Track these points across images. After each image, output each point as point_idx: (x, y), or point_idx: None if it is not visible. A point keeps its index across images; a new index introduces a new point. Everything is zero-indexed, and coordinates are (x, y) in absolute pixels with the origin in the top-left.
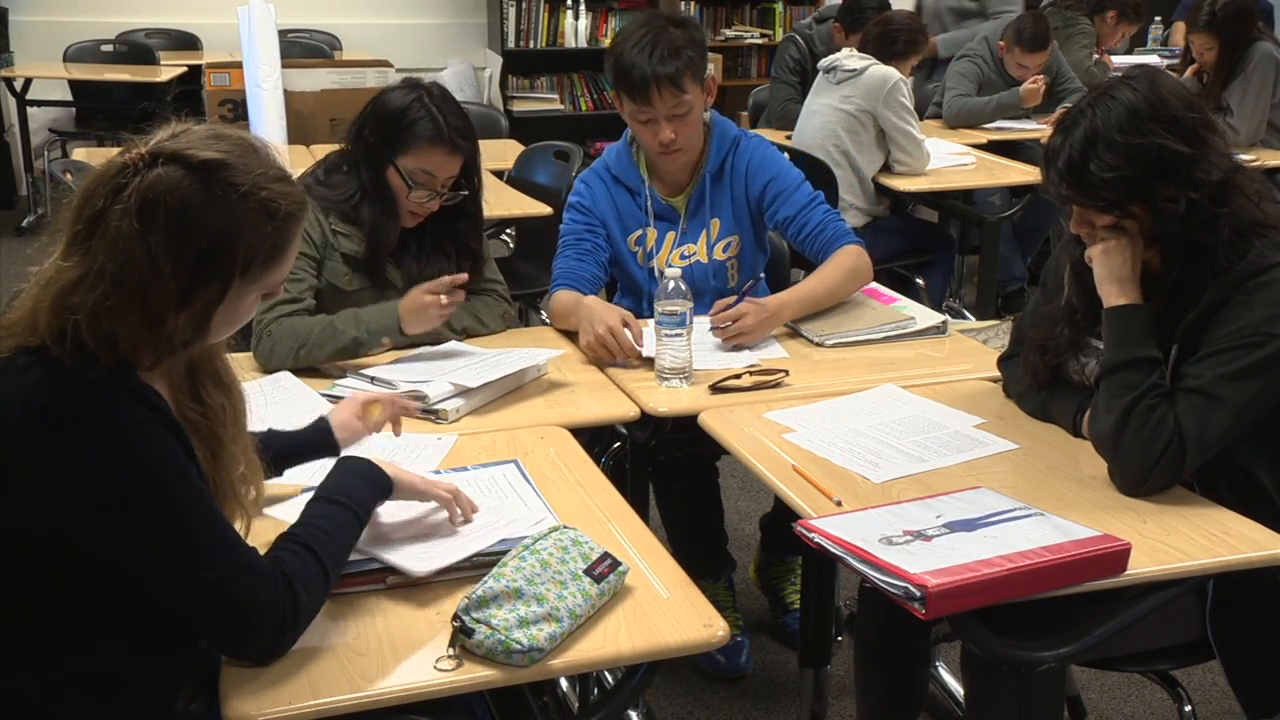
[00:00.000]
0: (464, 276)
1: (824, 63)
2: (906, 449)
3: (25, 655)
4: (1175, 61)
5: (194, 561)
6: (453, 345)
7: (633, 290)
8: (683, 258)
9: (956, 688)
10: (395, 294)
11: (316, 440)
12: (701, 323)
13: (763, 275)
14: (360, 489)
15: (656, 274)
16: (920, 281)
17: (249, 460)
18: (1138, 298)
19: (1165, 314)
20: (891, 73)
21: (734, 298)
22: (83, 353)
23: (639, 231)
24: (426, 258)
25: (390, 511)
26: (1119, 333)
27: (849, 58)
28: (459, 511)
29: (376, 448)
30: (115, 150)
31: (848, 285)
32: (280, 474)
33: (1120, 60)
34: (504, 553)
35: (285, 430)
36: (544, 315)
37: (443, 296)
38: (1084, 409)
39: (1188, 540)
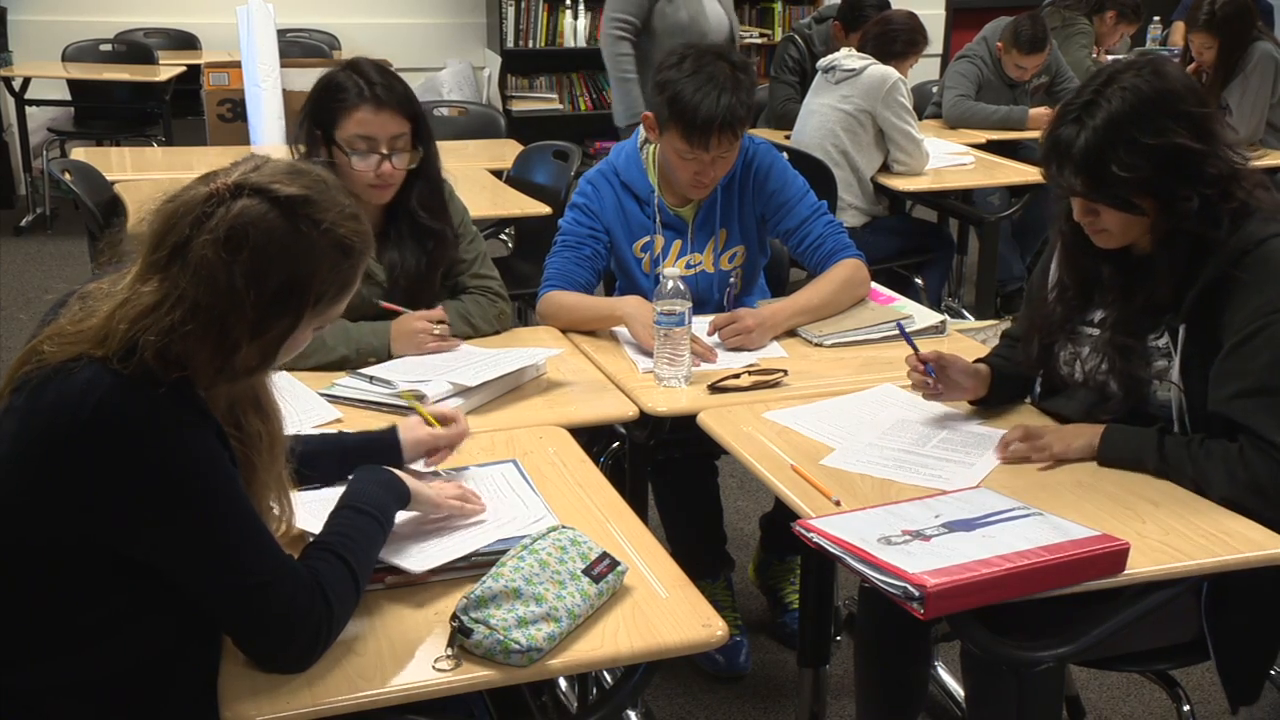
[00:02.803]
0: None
1: (823, 62)
2: (928, 460)
3: (45, 655)
4: (1175, 61)
5: (235, 568)
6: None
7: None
8: (689, 267)
9: (956, 687)
10: (379, 290)
11: (384, 447)
12: (701, 325)
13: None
14: (384, 498)
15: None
16: (919, 281)
17: (280, 489)
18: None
19: (1162, 292)
20: (890, 72)
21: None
22: (146, 370)
23: (645, 239)
24: (405, 245)
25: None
26: (1133, 449)
27: (848, 57)
28: (471, 512)
29: None
30: (114, 149)
31: (843, 296)
32: (346, 476)
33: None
34: (502, 552)
35: (356, 433)
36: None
37: (435, 329)
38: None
39: (1186, 540)
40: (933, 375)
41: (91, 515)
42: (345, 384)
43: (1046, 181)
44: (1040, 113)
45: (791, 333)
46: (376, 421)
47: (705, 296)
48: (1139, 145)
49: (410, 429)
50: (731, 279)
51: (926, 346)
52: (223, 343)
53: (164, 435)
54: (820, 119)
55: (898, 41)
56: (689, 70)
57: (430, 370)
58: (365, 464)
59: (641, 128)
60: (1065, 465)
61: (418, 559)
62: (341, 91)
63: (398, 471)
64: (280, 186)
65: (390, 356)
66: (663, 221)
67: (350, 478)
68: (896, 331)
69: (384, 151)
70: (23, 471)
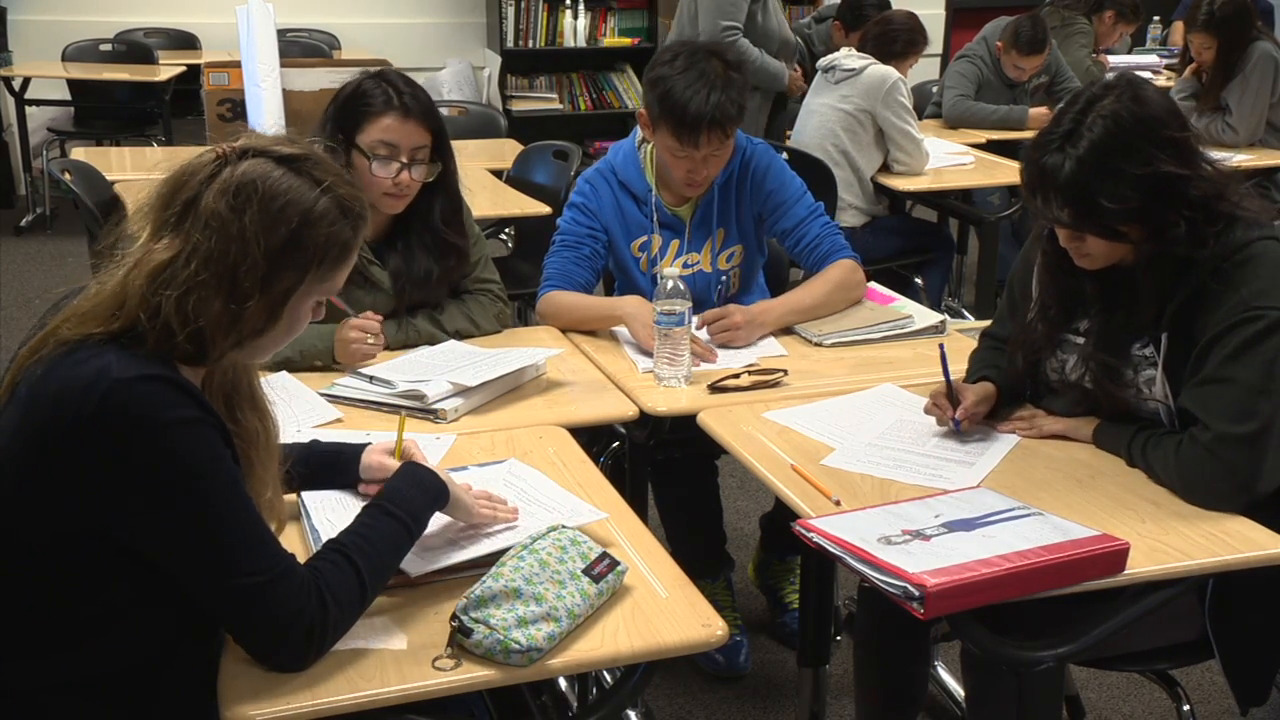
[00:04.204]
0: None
1: (823, 62)
2: (925, 459)
3: (43, 652)
4: (1174, 61)
5: (231, 566)
6: (451, 345)
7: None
8: (686, 266)
9: (956, 687)
10: (384, 296)
11: (347, 464)
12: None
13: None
14: (418, 501)
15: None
16: (919, 281)
17: (275, 486)
18: (1089, 432)
19: (1145, 312)
20: (890, 72)
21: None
22: (168, 331)
23: (643, 238)
24: (411, 254)
25: None
26: (1113, 444)
27: (848, 57)
28: (504, 519)
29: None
30: (114, 148)
31: (836, 298)
32: (317, 487)
33: (1118, 60)
34: (503, 551)
35: (328, 443)
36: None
37: (369, 337)
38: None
39: (1186, 540)
40: (958, 427)
41: (93, 508)
42: (345, 383)
43: (1031, 211)
44: (1040, 112)
45: (790, 331)
46: (376, 421)
47: (703, 296)
48: (1126, 175)
49: (374, 451)
50: (723, 278)
51: (926, 346)
52: (234, 293)
53: (168, 432)
54: (820, 119)
55: (898, 41)
56: (681, 67)
57: (430, 370)
58: (329, 473)
59: (639, 126)
60: (1064, 464)
61: (417, 562)
62: (368, 98)
63: (442, 472)
64: (282, 148)
65: (335, 360)
66: (660, 221)
67: (394, 472)
68: (896, 331)
69: (404, 160)
70: (26, 462)
